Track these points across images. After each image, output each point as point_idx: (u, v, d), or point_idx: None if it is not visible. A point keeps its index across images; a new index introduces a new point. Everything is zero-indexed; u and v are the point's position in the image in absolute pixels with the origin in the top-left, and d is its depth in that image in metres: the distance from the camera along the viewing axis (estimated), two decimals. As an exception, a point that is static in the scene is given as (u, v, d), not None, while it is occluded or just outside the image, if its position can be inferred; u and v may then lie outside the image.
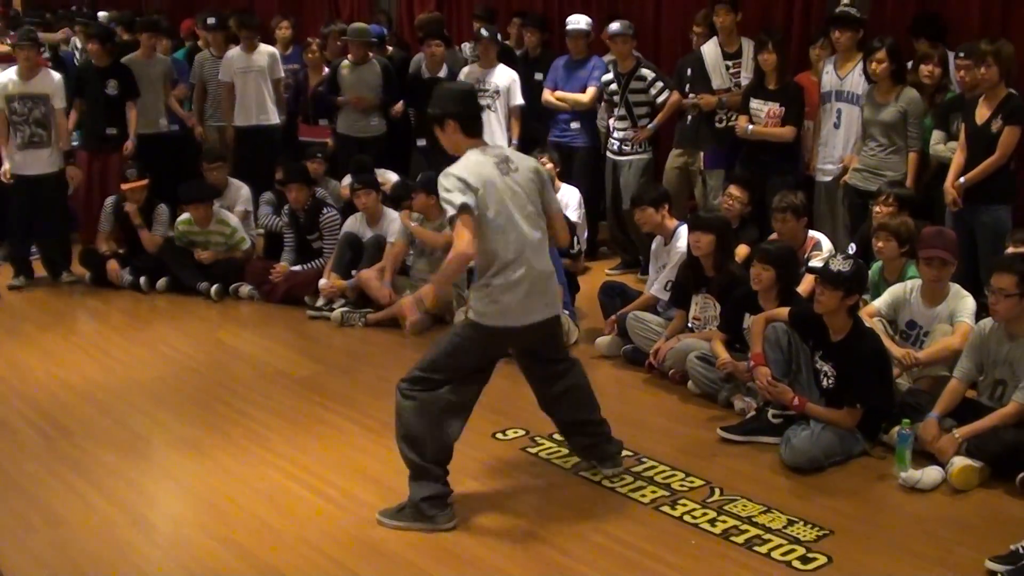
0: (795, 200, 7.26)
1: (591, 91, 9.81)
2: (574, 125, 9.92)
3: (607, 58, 9.89)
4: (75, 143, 10.01)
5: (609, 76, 9.33)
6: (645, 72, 9.17)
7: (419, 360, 5.13)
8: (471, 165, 5.05)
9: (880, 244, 6.72)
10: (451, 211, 4.94)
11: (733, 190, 7.87)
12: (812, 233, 7.43)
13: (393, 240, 8.49)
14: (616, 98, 9.29)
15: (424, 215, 8.29)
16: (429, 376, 5.08)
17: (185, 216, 9.44)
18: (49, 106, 9.18)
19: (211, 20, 10.93)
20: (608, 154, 9.50)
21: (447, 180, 5.00)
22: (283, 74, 10.96)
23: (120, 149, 9.93)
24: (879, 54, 7.63)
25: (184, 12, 15.40)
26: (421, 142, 10.36)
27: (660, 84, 9.16)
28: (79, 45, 12.69)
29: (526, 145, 9.88)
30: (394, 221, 8.57)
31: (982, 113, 7.05)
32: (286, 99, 11.11)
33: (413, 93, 10.42)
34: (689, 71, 9.23)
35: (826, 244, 7.38)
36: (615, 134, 9.39)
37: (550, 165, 9.10)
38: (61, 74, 9.51)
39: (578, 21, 9.95)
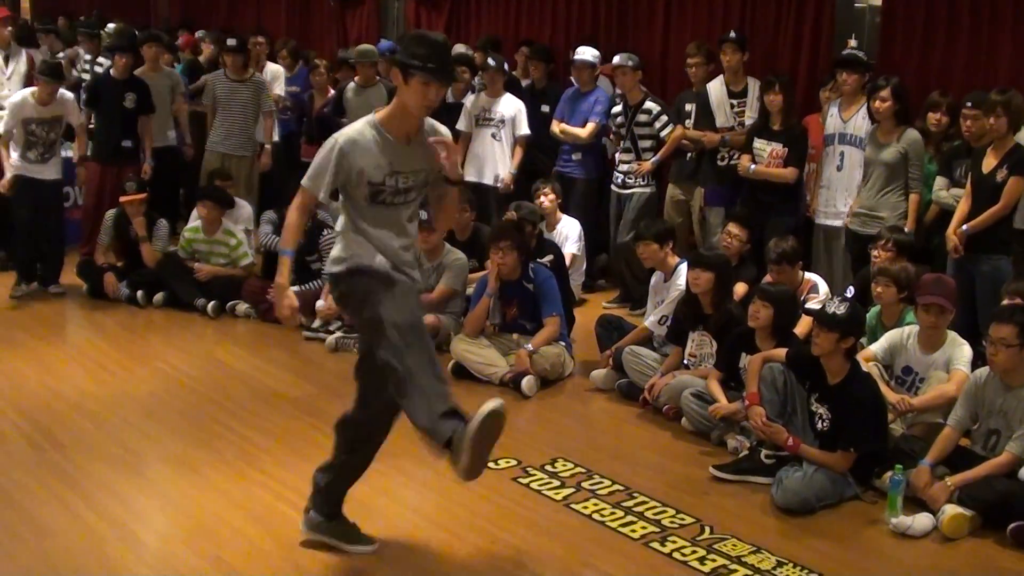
0: (787, 247, 7.25)
1: (590, 126, 9.82)
2: (575, 156, 9.93)
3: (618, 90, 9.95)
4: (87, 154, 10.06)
5: (618, 108, 9.31)
6: (651, 105, 9.17)
7: None
8: None
9: (879, 289, 6.73)
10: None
11: (732, 228, 7.89)
12: (809, 276, 7.45)
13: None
14: (623, 131, 9.28)
15: (426, 252, 8.17)
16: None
17: (193, 224, 9.48)
18: (62, 126, 9.39)
19: (232, 41, 10.82)
20: (612, 187, 9.48)
21: None
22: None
23: (133, 161, 9.98)
24: (883, 92, 7.66)
25: (187, 27, 15.50)
26: None
27: (665, 118, 9.15)
28: (86, 57, 12.74)
29: (527, 176, 9.91)
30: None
31: (989, 162, 7.09)
32: (285, 120, 11.19)
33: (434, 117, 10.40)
34: (692, 107, 9.27)
35: (823, 287, 7.40)
36: (620, 167, 9.37)
37: (552, 196, 9.14)
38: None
39: (583, 52, 9.95)
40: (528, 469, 6.11)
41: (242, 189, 10.22)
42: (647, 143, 9.22)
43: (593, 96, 9.92)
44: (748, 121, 8.96)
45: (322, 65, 11.24)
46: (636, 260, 8.20)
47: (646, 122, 9.18)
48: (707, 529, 5.44)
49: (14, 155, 9.22)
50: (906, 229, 7.55)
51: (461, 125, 9.96)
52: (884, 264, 6.87)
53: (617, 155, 9.46)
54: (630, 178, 9.31)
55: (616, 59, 9.23)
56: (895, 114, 7.72)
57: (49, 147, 9.29)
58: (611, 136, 9.83)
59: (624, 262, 9.21)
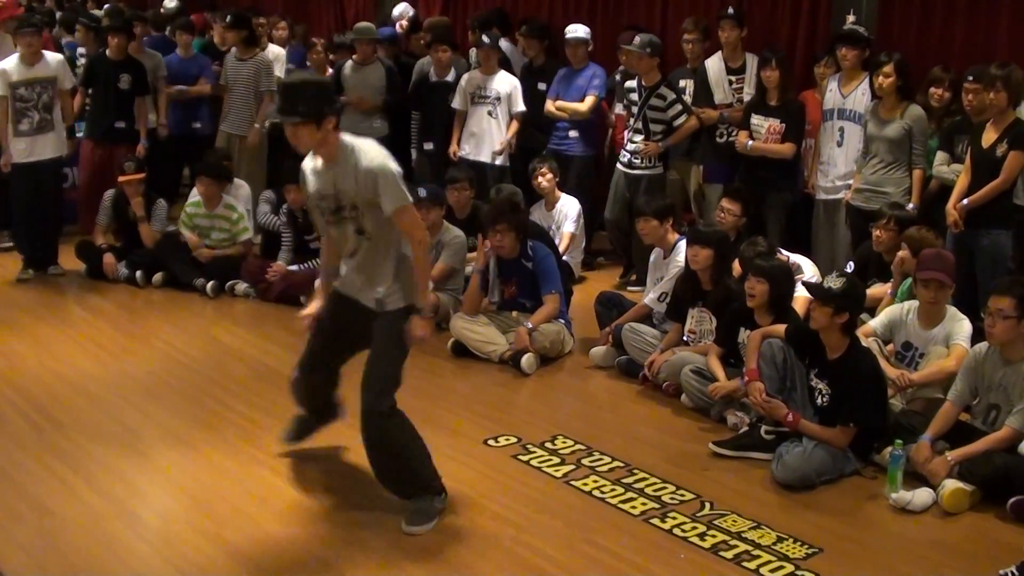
0: (757, 252, 7.10)
1: (589, 100, 9.79)
2: (572, 134, 9.88)
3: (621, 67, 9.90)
4: (79, 135, 10.02)
5: (632, 83, 9.23)
6: (666, 92, 8.99)
7: (377, 377, 5.06)
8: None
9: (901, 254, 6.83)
10: (403, 201, 4.96)
11: (726, 203, 7.85)
12: (794, 258, 7.41)
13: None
14: (635, 109, 9.19)
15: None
16: (395, 387, 5.12)
17: (194, 199, 9.46)
18: (55, 89, 9.23)
19: (229, 17, 10.76)
20: (619, 166, 9.39)
21: (392, 168, 4.96)
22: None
23: (126, 141, 9.95)
24: (886, 68, 7.65)
25: (195, 6, 15.41)
26: (428, 146, 10.37)
27: (679, 107, 9.01)
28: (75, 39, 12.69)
29: (524, 154, 9.87)
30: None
31: (988, 137, 7.07)
32: None
33: (420, 96, 10.42)
34: (687, 85, 9.24)
35: (807, 267, 7.37)
36: (628, 146, 9.26)
37: (550, 176, 9.10)
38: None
39: (576, 30, 9.93)
40: (528, 446, 6.11)
41: (243, 169, 10.19)
42: (659, 127, 9.07)
43: (589, 71, 9.89)
44: (747, 97, 8.91)
45: (319, 44, 11.21)
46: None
47: (660, 107, 9.03)
48: (707, 505, 5.44)
49: (8, 133, 9.14)
50: (911, 205, 7.55)
51: (456, 103, 9.96)
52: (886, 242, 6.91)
53: (626, 134, 9.34)
54: (637, 158, 9.22)
55: (636, 41, 9.07)
56: (898, 90, 7.71)
57: (43, 114, 9.13)
58: (624, 108, 9.69)
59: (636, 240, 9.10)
